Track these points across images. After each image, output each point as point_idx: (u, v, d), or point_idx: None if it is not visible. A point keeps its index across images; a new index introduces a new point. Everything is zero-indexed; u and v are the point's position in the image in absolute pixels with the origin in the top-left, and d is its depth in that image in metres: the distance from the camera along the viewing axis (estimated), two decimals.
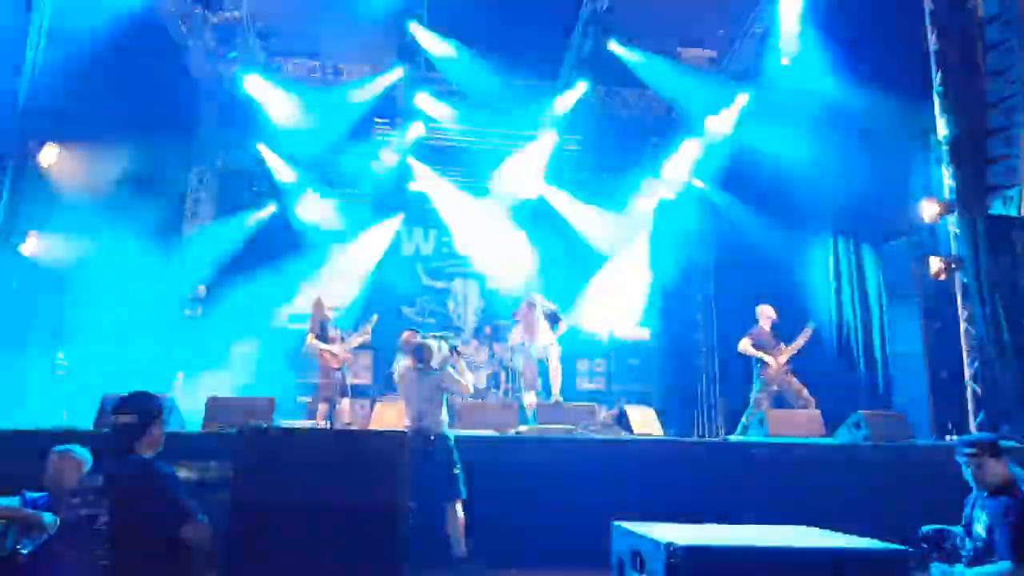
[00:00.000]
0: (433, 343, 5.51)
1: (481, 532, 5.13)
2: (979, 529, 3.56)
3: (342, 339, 7.98)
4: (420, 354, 5.38)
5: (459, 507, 5.04)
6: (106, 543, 2.79)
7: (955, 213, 7.49)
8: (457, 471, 5.10)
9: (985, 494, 3.61)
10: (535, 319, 7.79)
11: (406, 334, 5.56)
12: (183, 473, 4.57)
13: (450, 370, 5.48)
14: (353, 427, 7.88)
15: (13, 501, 3.71)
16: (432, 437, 5.18)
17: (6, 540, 3.49)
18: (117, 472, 2.94)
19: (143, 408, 3.10)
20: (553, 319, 7.82)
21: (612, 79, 11.91)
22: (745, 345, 8.15)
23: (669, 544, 2.97)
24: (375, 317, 8.37)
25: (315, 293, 8.38)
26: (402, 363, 5.47)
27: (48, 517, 3.58)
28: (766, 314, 8.29)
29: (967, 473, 3.69)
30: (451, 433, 5.39)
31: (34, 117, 7.50)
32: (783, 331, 8.33)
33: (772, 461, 5.87)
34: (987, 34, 7.08)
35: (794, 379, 8.03)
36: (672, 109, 12.62)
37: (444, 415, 5.36)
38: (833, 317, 9.91)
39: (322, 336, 7.85)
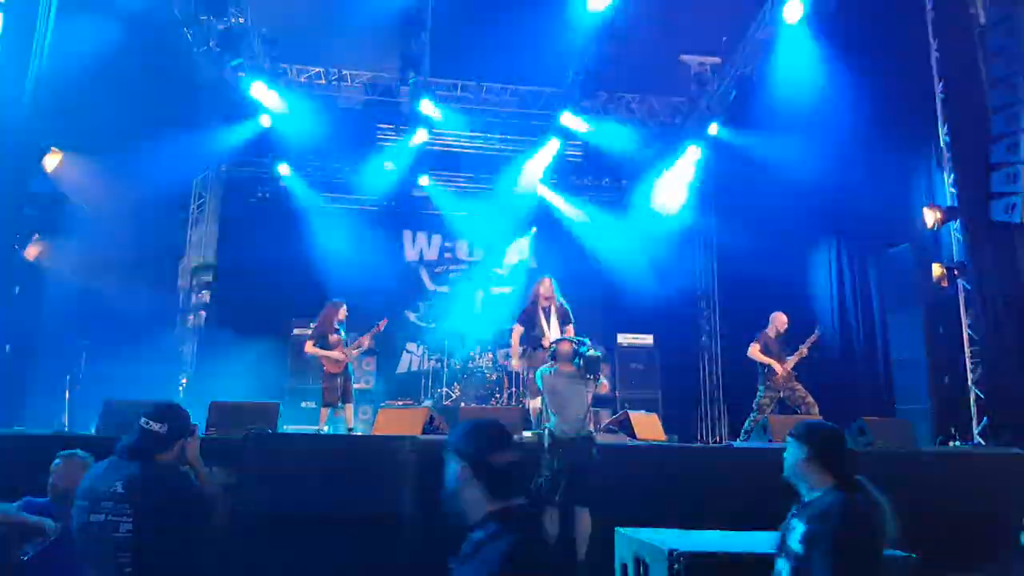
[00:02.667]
0: (599, 353, 5.69)
1: None
2: (794, 543, 2.68)
3: (346, 344, 7.98)
4: (593, 367, 5.52)
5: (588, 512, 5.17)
6: (130, 551, 2.75)
7: (957, 220, 7.49)
8: (596, 478, 5.23)
9: (806, 497, 2.82)
10: (551, 307, 7.66)
11: (564, 344, 5.69)
12: None
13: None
14: (356, 432, 7.88)
15: (14, 506, 3.71)
16: (592, 442, 5.36)
17: (8, 546, 3.49)
18: (141, 479, 2.88)
19: (178, 422, 3.05)
20: (564, 318, 7.72)
21: (615, 85, 11.95)
22: (755, 351, 8.19)
23: (672, 550, 2.97)
24: (383, 322, 8.35)
25: (327, 300, 8.36)
26: (559, 370, 5.58)
27: (49, 523, 3.57)
28: (777, 322, 8.32)
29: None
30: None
31: (38, 122, 7.52)
32: (786, 337, 8.35)
33: (775, 467, 5.85)
34: (988, 41, 7.09)
35: (799, 385, 8.05)
36: (675, 114, 12.66)
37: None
38: (835, 323, 9.90)
39: (322, 342, 7.86)
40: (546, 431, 5.42)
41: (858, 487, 2.72)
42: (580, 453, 5.23)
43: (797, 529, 2.69)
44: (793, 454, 2.91)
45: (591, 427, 5.46)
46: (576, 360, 5.54)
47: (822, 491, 2.75)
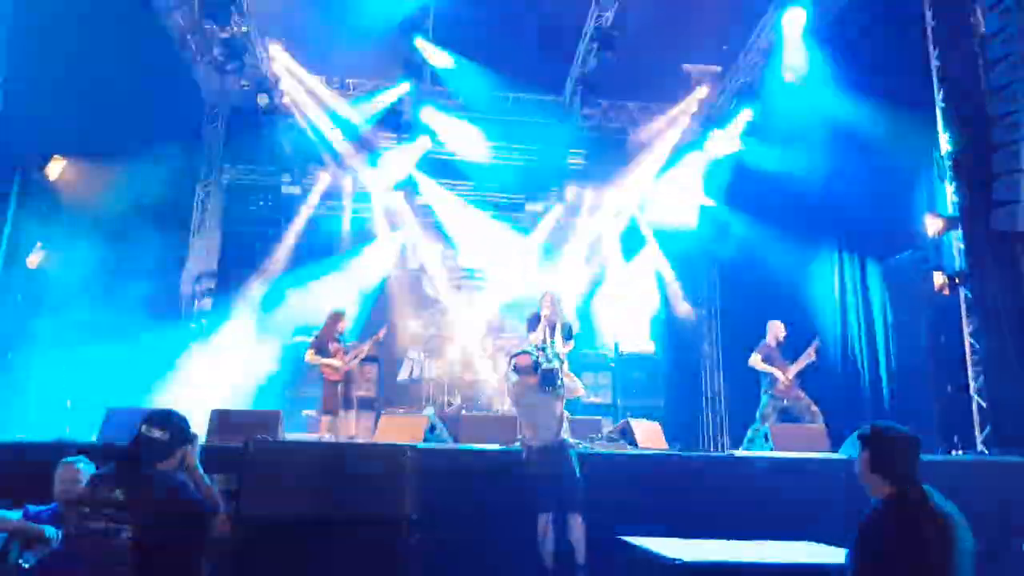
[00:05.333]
0: (557, 364, 5.67)
1: (485, 546, 5.11)
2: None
3: (346, 352, 7.96)
4: (549, 380, 5.50)
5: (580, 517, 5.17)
6: (129, 558, 2.74)
7: (959, 228, 7.49)
8: (580, 483, 5.25)
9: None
10: (556, 319, 7.65)
11: (523, 358, 5.66)
12: None
13: (570, 382, 5.67)
14: (357, 440, 7.86)
15: (15, 514, 3.70)
16: (565, 450, 5.34)
17: (9, 554, 3.48)
18: (140, 486, 2.88)
19: (178, 428, 3.05)
20: (568, 331, 7.72)
21: (616, 93, 11.99)
22: (756, 360, 8.21)
23: (674, 560, 2.96)
24: (383, 330, 8.36)
25: (331, 308, 8.37)
26: (522, 382, 5.58)
27: (50, 530, 3.57)
28: (775, 330, 8.33)
29: None
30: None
31: (41, 130, 7.56)
32: (789, 346, 8.34)
33: (777, 476, 5.84)
34: (989, 50, 7.10)
35: (803, 394, 8.03)
36: (677, 123, 12.67)
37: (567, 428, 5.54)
38: (838, 331, 9.88)
39: (323, 350, 7.86)
40: (521, 442, 5.47)
41: (911, 499, 2.48)
42: (557, 461, 5.26)
43: None
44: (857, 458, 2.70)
45: (566, 435, 5.44)
46: (536, 371, 5.54)
47: (875, 500, 2.56)
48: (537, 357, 5.64)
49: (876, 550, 2.37)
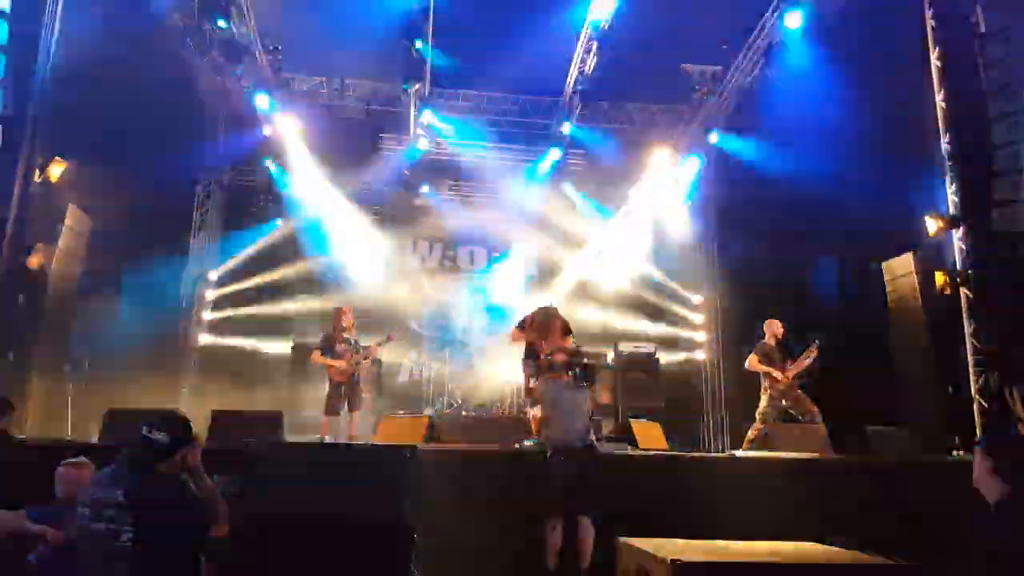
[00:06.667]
0: (597, 364, 5.64)
1: (484, 546, 5.11)
2: None
3: (353, 353, 7.93)
4: (589, 375, 5.52)
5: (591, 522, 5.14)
6: (130, 560, 2.74)
7: (959, 228, 7.49)
8: (603, 486, 5.21)
9: None
10: (549, 330, 7.52)
11: (559, 355, 5.62)
12: None
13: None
14: (359, 441, 7.86)
15: (16, 514, 3.70)
16: (593, 452, 5.32)
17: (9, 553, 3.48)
18: (141, 488, 2.86)
19: (180, 431, 3.04)
20: (566, 331, 7.62)
21: (615, 94, 11.99)
22: (753, 361, 8.08)
23: (675, 560, 2.96)
24: (395, 333, 8.36)
25: (330, 308, 8.37)
26: (556, 380, 5.56)
27: (50, 530, 3.57)
28: (773, 329, 8.24)
29: None
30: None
31: (42, 132, 7.56)
32: (789, 346, 8.31)
33: (778, 477, 5.84)
34: (989, 50, 7.11)
35: (802, 394, 7.98)
36: (676, 123, 12.69)
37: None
38: (838, 331, 9.88)
39: (329, 351, 7.84)
40: (547, 442, 5.38)
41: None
42: (582, 463, 5.19)
43: None
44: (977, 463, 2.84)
45: (592, 437, 5.41)
46: (572, 370, 5.52)
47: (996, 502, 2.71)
48: (573, 355, 5.63)
49: (1001, 548, 2.51)
